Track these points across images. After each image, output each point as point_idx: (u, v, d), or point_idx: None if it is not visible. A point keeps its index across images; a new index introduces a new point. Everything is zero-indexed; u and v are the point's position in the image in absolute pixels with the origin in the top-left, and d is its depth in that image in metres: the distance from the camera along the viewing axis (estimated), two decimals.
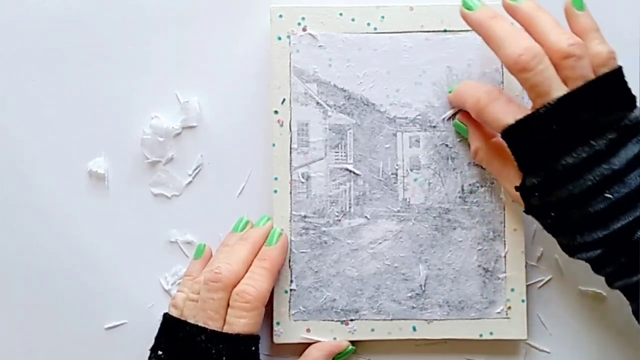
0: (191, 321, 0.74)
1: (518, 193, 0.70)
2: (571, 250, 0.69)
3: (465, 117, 0.75)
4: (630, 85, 0.70)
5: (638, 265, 0.65)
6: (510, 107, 0.68)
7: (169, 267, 0.83)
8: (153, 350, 0.76)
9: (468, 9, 0.71)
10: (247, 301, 0.74)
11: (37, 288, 0.84)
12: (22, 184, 0.84)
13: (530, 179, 0.67)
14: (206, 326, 0.73)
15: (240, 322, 0.73)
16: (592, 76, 0.65)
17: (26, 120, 0.84)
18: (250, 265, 0.77)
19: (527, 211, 0.70)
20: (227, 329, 0.73)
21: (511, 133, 0.67)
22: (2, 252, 0.84)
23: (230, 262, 0.76)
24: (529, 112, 0.66)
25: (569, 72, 0.65)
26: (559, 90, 0.64)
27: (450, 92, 0.77)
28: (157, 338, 0.77)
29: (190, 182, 0.83)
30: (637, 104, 0.69)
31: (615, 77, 0.67)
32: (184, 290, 0.78)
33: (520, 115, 0.66)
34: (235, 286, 0.75)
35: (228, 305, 0.75)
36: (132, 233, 0.84)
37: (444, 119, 0.80)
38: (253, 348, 0.75)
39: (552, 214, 0.67)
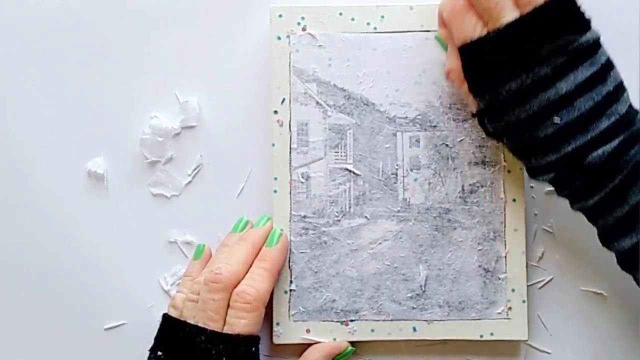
0: (191, 322, 0.75)
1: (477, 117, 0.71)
2: (530, 172, 0.71)
3: (445, 33, 0.74)
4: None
5: (593, 188, 0.67)
6: (474, 22, 0.68)
7: (168, 267, 0.84)
8: (152, 350, 0.77)
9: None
10: (248, 302, 0.74)
11: (37, 288, 0.84)
12: (21, 183, 0.84)
13: (479, 103, 0.69)
14: (206, 327, 0.74)
15: (240, 323, 0.74)
16: (541, 2, 0.66)
17: (26, 120, 0.84)
18: (251, 265, 0.78)
19: (487, 134, 0.72)
20: (227, 330, 0.74)
21: (464, 53, 0.68)
22: (2, 252, 0.84)
23: (230, 263, 0.76)
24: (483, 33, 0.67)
25: None
26: (509, 15, 0.65)
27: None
28: (156, 338, 0.78)
29: (190, 182, 0.84)
30: (592, 27, 0.69)
31: (565, 2, 0.67)
32: (183, 291, 0.78)
33: (480, 33, 0.67)
34: (235, 287, 0.76)
35: (228, 305, 0.76)
36: (131, 233, 0.84)
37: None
38: (253, 349, 0.75)
39: (504, 139, 0.69)
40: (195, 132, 0.84)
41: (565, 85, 0.65)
